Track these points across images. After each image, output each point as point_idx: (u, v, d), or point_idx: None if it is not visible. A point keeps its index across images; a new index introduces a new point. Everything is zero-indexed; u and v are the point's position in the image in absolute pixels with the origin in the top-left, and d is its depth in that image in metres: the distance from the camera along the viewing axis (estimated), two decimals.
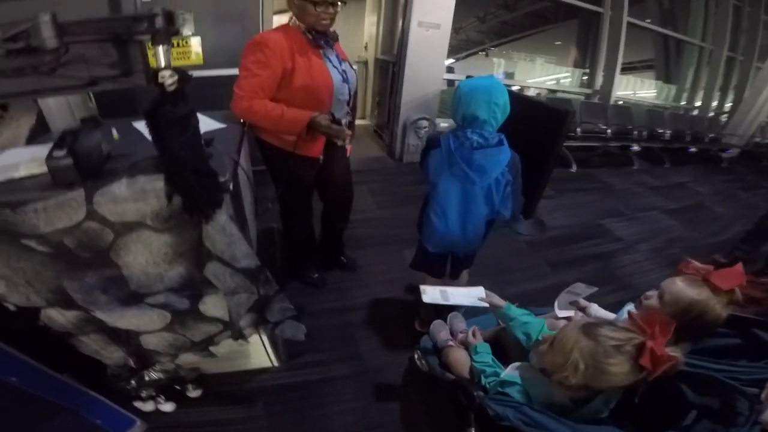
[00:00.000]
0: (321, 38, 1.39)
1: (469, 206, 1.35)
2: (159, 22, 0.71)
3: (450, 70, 4.33)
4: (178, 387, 1.42)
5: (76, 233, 0.91)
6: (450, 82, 4.72)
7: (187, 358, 1.33)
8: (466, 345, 1.26)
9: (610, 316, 1.24)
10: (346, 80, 1.49)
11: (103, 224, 0.92)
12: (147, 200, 0.89)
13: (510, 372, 1.03)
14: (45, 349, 1.04)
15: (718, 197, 4.26)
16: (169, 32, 0.72)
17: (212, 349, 1.33)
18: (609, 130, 4.72)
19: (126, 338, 1.19)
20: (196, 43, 2.54)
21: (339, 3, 1.32)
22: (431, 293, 1.30)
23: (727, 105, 7.26)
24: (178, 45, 2.49)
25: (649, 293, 1.04)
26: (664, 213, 3.65)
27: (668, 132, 5.24)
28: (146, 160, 0.91)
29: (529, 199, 2.80)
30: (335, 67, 1.46)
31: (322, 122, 1.36)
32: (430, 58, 3.63)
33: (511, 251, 2.64)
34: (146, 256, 1.01)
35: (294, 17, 1.37)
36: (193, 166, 0.81)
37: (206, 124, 1.20)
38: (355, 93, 1.63)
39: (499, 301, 1.22)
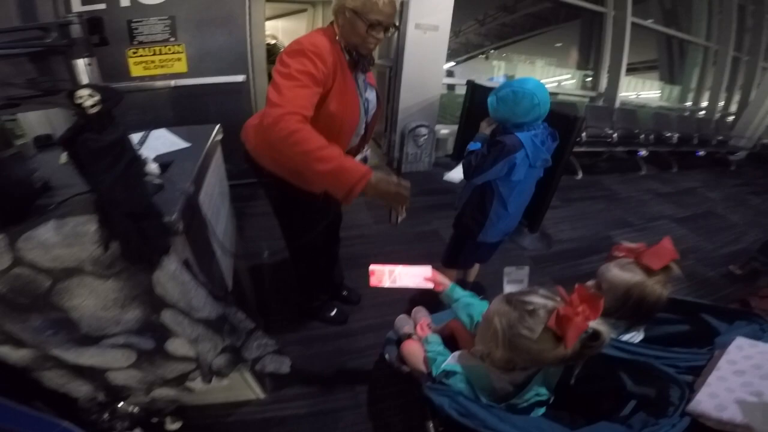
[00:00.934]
0: (361, 61, 1.18)
1: (533, 189, 1.55)
2: (75, 30, 0.55)
3: (450, 74, 4.19)
4: (155, 419, 1.29)
5: (6, 279, 0.77)
6: (450, 87, 4.56)
7: (162, 393, 1.21)
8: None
9: None
10: (366, 112, 1.28)
11: (35, 270, 0.78)
12: (82, 245, 0.74)
13: (450, 361, 0.97)
14: (9, 378, 0.93)
15: (730, 203, 4.08)
16: (89, 42, 0.56)
17: (189, 384, 1.21)
18: (615, 135, 4.55)
19: (91, 374, 1.07)
20: (179, 51, 2.40)
21: (391, 29, 1.13)
22: (378, 274, 1.19)
23: (734, 106, 7.09)
24: (159, 52, 2.36)
25: (588, 283, 1.00)
26: (675, 222, 3.48)
27: (675, 135, 5.04)
28: (81, 196, 0.75)
29: (535, 211, 2.64)
30: (361, 95, 1.24)
31: (396, 185, 1.01)
32: (428, 62, 3.48)
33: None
34: (94, 301, 0.87)
35: (337, 27, 1.13)
36: (128, 208, 0.65)
37: (168, 143, 1.03)
38: (372, 125, 1.36)
39: (444, 280, 1.18)
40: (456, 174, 1.92)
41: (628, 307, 0.91)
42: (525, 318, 0.75)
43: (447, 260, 1.79)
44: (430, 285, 1.18)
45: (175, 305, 0.92)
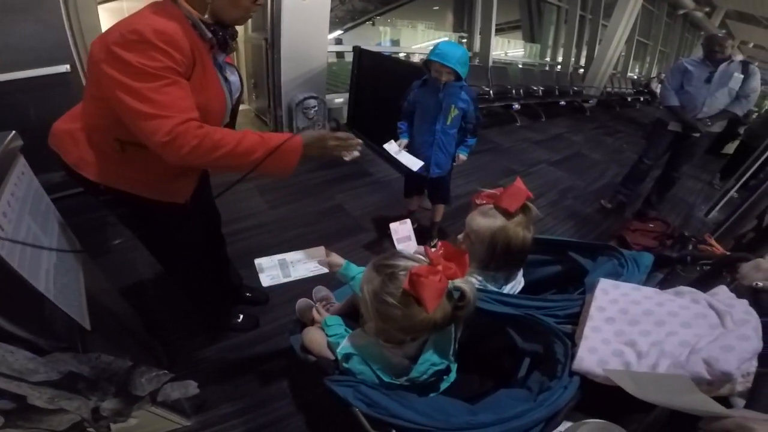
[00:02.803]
0: (225, 37, 0.94)
1: None
2: None
3: (338, 41, 4.00)
4: None
5: None
6: (340, 55, 4.36)
7: None
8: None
9: None
10: (230, 96, 1.05)
11: None
12: None
13: (346, 343, 0.90)
14: None
15: (590, 144, 4.81)
16: None
17: (91, 430, 1.00)
18: (491, 91, 4.92)
19: None
20: None
21: None
22: (268, 269, 1.07)
23: (583, 60, 8.21)
24: None
25: (459, 237, 1.02)
26: (551, 165, 3.95)
27: (540, 88, 5.70)
28: None
29: None
30: (224, 80, 1.01)
31: (327, 137, 0.95)
32: (310, 31, 3.25)
33: (422, 231, 2.51)
34: None
35: (200, 4, 0.87)
36: None
37: None
38: (236, 108, 1.17)
39: (338, 260, 1.09)
40: (408, 159, 1.85)
41: (497, 254, 0.91)
42: (386, 283, 0.71)
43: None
44: (325, 269, 1.09)
45: None
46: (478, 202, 1.00)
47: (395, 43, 8.09)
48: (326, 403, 1.39)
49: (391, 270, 0.71)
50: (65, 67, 2.11)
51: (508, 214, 0.91)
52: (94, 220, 2.03)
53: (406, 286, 0.67)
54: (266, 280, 1.06)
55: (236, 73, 1.10)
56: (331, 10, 3.39)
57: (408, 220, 1.38)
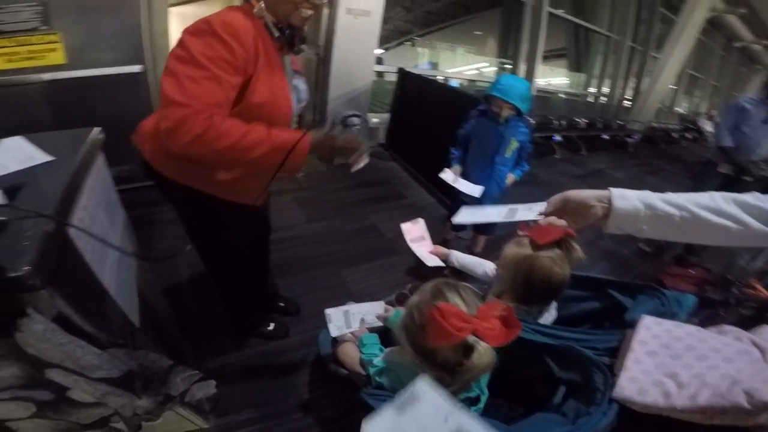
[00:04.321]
0: (293, 39, 0.99)
1: None
2: None
3: (379, 61, 4.09)
4: None
5: None
6: (379, 74, 4.46)
7: None
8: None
9: (471, 259, 1.29)
10: (298, 101, 1.09)
11: None
12: None
13: (380, 359, 0.95)
14: None
15: (632, 182, 4.61)
16: None
17: (117, 425, 1.02)
18: (533, 121, 4.85)
19: None
20: (54, 40, 1.99)
21: None
22: (336, 319, 1.19)
23: (629, 92, 7.97)
24: (27, 43, 1.94)
25: (498, 261, 1.04)
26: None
27: (584, 120, 5.54)
28: None
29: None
30: (290, 81, 1.05)
31: (336, 140, 0.93)
32: (360, 49, 3.35)
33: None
34: None
35: (260, 2, 0.93)
36: None
37: (23, 156, 0.77)
38: (303, 118, 1.23)
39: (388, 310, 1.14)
40: (466, 186, 1.89)
41: (519, 282, 0.92)
42: (426, 300, 0.74)
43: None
44: (379, 323, 1.15)
45: (59, 365, 0.72)
46: (520, 233, 1.00)
47: (434, 65, 8.19)
48: (344, 420, 1.40)
49: (439, 293, 0.73)
50: (139, 68, 2.26)
51: (536, 246, 0.91)
52: (142, 217, 2.14)
53: (429, 313, 0.69)
54: (334, 330, 1.17)
55: (305, 82, 1.15)
56: None
57: (421, 220, 1.39)
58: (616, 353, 0.79)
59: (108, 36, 2.14)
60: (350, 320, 1.19)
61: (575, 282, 1.01)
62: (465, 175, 1.96)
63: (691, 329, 0.75)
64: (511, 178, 1.99)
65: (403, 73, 3.65)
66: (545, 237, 0.89)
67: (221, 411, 1.34)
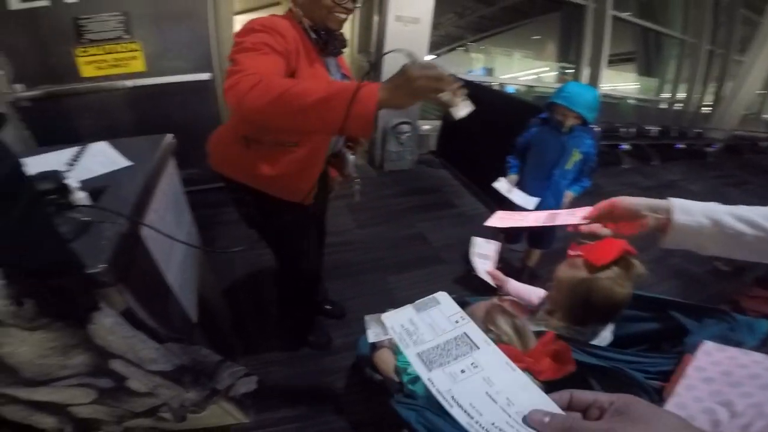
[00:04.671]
0: (330, 42, 1.04)
1: None
2: None
3: None
4: None
5: None
6: None
7: (136, 423, 1.09)
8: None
9: (526, 289, 1.24)
10: None
11: None
12: None
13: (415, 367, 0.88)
14: None
15: (711, 196, 3.99)
16: None
17: (164, 415, 1.07)
18: (598, 128, 4.52)
19: (53, 408, 0.93)
20: (135, 48, 2.18)
21: None
22: (374, 326, 1.14)
23: (709, 98, 7.23)
24: (113, 51, 2.14)
25: (551, 283, 1.01)
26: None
27: (655, 128, 5.08)
28: None
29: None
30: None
31: (414, 77, 0.67)
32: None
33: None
34: (29, 349, 0.73)
35: (296, 7, 1.01)
36: (34, 265, 0.49)
37: (106, 161, 0.85)
38: None
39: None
40: (521, 197, 1.81)
41: (577, 306, 0.89)
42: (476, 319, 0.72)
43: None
44: None
45: (122, 356, 0.77)
46: (571, 253, 0.96)
47: (489, 71, 7.96)
48: (376, 426, 1.40)
49: (492, 322, 0.73)
50: (207, 75, 2.41)
51: (593, 267, 0.87)
52: (207, 217, 2.29)
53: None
54: (371, 336, 1.14)
55: (349, 80, 1.17)
56: None
57: (497, 243, 1.36)
58: (669, 377, 0.75)
59: (180, 44, 2.30)
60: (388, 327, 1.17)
61: (634, 302, 0.97)
62: (521, 186, 1.86)
63: (759, 357, 0.70)
64: (569, 196, 1.84)
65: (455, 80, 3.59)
66: (602, 258, 0.86)
67: (260, 407, 1.39)
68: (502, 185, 1.80)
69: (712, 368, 0.71)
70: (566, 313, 0.94)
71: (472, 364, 0.43)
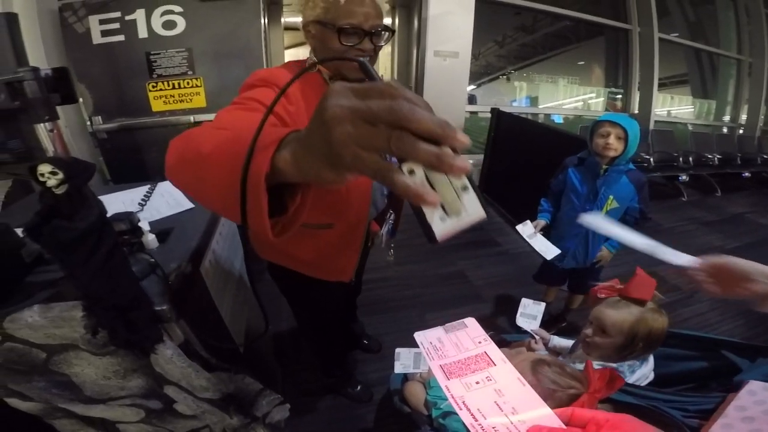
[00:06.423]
0: None
1: None
2: (30, 89, 0.45)
3: (471, 98, 4.08)
4: None
5: (0, 351, 0.72)
6: (472, 114, 4.43)
7: None
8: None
9: (569, 343, 1.24)
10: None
11: (28, 345, 0.72)
12: (72, 327, 0.66)
13: (447, 402, 0.88)
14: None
15: None
16: (49, 102, 0.46)
17: None
18: (651, 159, 4.26)
19: (102, 424, 1.01)
20: (198, 84, 2.39)
21: (383, 33, 0.80)
22: (404, 358, 1.21)
23: None
24: (178, 86, 2.35)
25: (586, 331, 1.00)
26: (727, 254, 3.16)
27: (717, 156, 4.71)
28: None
29: None
30: None
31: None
32: (450, 90, 3.41)
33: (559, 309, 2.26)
34: (94, 371, 0.82)
35: (311, 54, 0.88)
36: (111, 302, 0.55)
37: (172, 201, 0.94)
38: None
39: None
40: (541, 244, 1.72)
41: (637, 345, 0.91)
42: (546, 395, 0.71)
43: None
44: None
45: (177, 383, 0.83)
46: (600, 296, 0.99)
47: (533, 100, 7.84)
48: None
49: (554, 387, 0.71)
50: None
51: (641, 303, 0.91)
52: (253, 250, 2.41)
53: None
54: (399, 367, 1.18)
55: None
56: None
57: (543, 304, 1.35)
58: (710, 416, 0.73)
59: (237, 81, 2.47)
60: (420, 361, 1.19)
61: (678, 340, 1.01)
62: (556, 232, 1.74)
63: None
64: (604, 253, 1.69)
65: (497, 113, 3.50)
66: (647, 293, 0.91)
67: None
68: (526, 229, 1.68)
69: (755, 408, 0.68)
70: (610, 352, 0.95)
71: (486, 377, 0.48)
